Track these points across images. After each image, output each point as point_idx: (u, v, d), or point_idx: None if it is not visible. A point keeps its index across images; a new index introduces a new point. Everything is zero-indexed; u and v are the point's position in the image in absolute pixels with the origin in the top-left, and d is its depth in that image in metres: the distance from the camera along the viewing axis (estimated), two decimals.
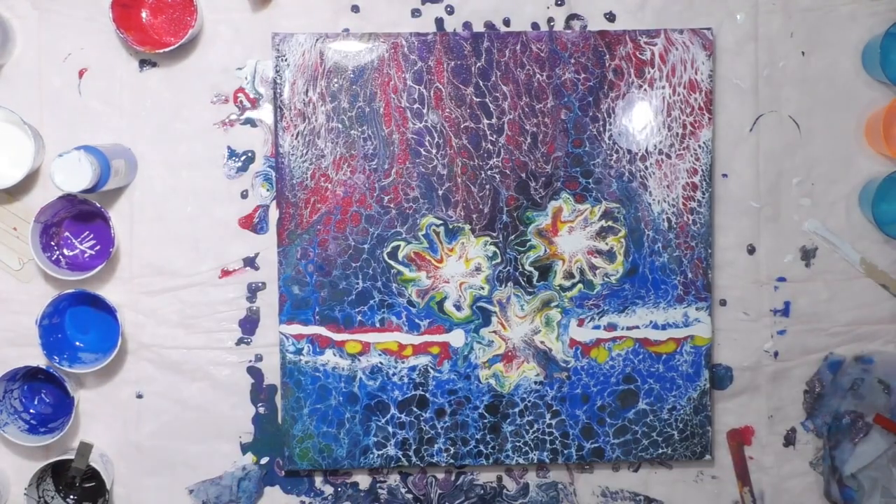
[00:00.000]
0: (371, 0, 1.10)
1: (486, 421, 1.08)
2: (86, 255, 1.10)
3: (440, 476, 1.12)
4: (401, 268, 1.07)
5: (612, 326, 1.08)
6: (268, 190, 1.09)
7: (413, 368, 1.08)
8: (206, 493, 1.11)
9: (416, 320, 1.07)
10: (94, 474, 1.06)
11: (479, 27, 1.10)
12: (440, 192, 1.06)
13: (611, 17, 1.10)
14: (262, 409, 1.10)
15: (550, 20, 1.10)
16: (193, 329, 1.10)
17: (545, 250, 1.07)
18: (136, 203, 1.09)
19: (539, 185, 1.07)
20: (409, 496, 1.11)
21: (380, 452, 1.08)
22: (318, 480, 1.12)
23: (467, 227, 1.07)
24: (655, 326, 1.08)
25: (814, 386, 1.12)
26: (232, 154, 1.09)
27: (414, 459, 1.09)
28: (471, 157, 1.07)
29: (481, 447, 1.08)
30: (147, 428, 1.11)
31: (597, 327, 1.08)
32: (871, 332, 1.12)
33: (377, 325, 1.07)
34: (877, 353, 1.11)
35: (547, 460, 1.09)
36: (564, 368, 1.08)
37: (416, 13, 1.10)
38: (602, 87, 1.07)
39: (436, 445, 1.08)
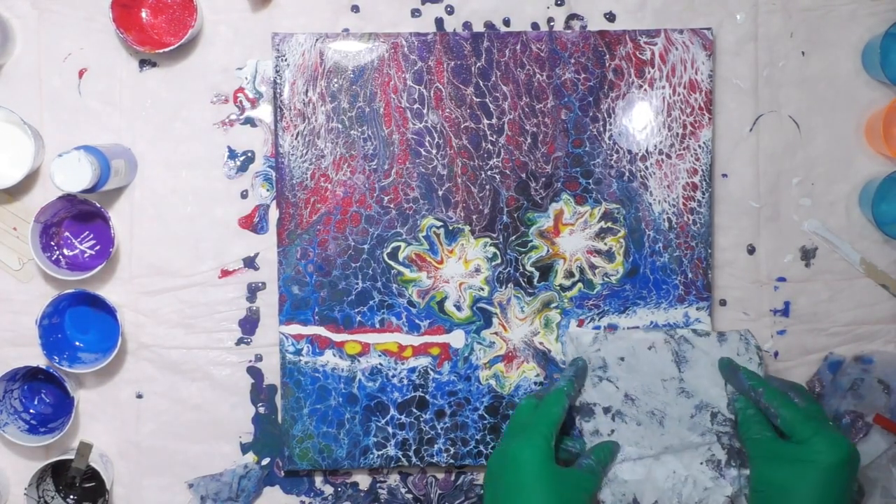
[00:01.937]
0: (371, 0, 1.10)
1: (485, 422, 1.08)
2: (86, 255, 1.10)
3: (440, 476, 1.12)
4: (401, 268, 1.07)
5: (612, 328, 1.08)
6: (268, 190, 1.09)
7: (413, 370, 1.08)
8: (205, 489, 1.11)
9: (417, 321, 1.07)
10: (94, 474, 1.06)
11: (479, 27, 1.10)
12: (440, 193, 1.06)
13: (611, 17, 1.10)
14: (262, 410, 1.10)
15: (550, 20, 1.10)
16: (193, 329, 1.10)
17: (548, 250, 1.07)
18: (136, 203, 1.09)
19: (539, 185, 1.07)
20: (409, 496, 1.11)
21: (380, 452, 1.08)
22: (318, 480, 1.12)
23: (467, 228, 1.07)
24: (656, 328, 1.08)
25: (814, 386, 1.12)
26: (232, 154, 1.09)
27: (414, 460, 1.09)
28: (471, 158, 1.07)
29: (481, 447, 1.08)
30: (147, 428, 1.11)
31: (597, 328, 1.08)
32: (871, 332, 1.12)
33: (377, 325, 1.07)
34: (877, 353, 1.11)
35: None
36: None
37: (416, 13, 1.10)
38: (602, 87, 1.07)
39: (436, 446, 1.08)
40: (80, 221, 1.10)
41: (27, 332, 1.08)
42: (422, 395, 1.08)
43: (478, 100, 1.07)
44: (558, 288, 1.08)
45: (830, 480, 0.90)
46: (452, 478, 1.12)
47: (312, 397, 1.07)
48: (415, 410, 1.08)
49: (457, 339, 1.07)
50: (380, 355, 1.07)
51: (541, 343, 1.08)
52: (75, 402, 1.06)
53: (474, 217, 1.07)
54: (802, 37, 1.11)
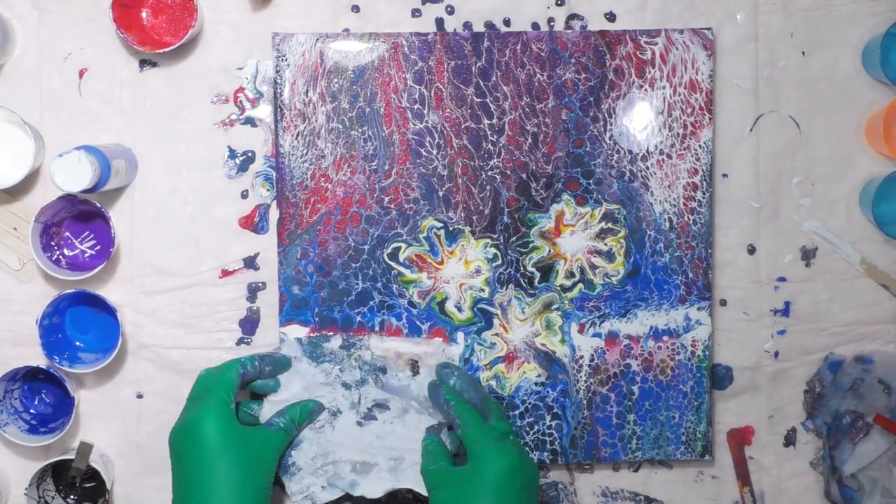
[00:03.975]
0: (371, 0, 1.09)
1: None
2: (86, 255, 1.10)
3: None
4: (402, 269, 1.07)
5: (613, 335, 1.08)
6: (268, 190, 1.09)
7: None
8: None
9: (418, 323, 1.07)
10: (94, 474, 1.06)
11: (479, 27, 1.10)
12: (441, 193, 1.06)
13: (611, 16, 1.10)
14: None
15: (550, 20, 1.10)
16: (193, 329, 1.10)
17: (549, 251, 1.07)
18: (136, 203, 1.09)
19: (540, 186, 1.07)
20: (410, 496, 1.11)
21: None
22: None
23: (467, 229, 1.07)
24: (657, 333, 1.08)
25: (814, 386, 1.12)
26: (232, 154, 1.09)
27: None
28: (471, 158, 1.07)
29: None
30: (147, 428, 1.10)
31: (597, 335, 1.08)
32: (871, 332, 1.12)
33: (377, 328, 1.07)
34: (877, 353, 1.11)
35: (547, 461, 1.09)
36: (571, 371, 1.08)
37: (416, 13, 1.10)
38: (603, 87, 1.07)
39: None
40: (80, 221, 1.10)
41: (27, 332, 1.08)
42: None
43: (478, 100, 1.06)
44: (559, 288, 1.07)
45: (496, 491, 0.90)
46: None
47: None
48: None
49: (458, 341, 1.07)
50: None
51: (542, 345, 1.08)
52: (75, 402, 1.06)
53: (475, 218, 1.07)
54: (802, 37, 1.11)
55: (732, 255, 1.11)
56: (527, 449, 1.08)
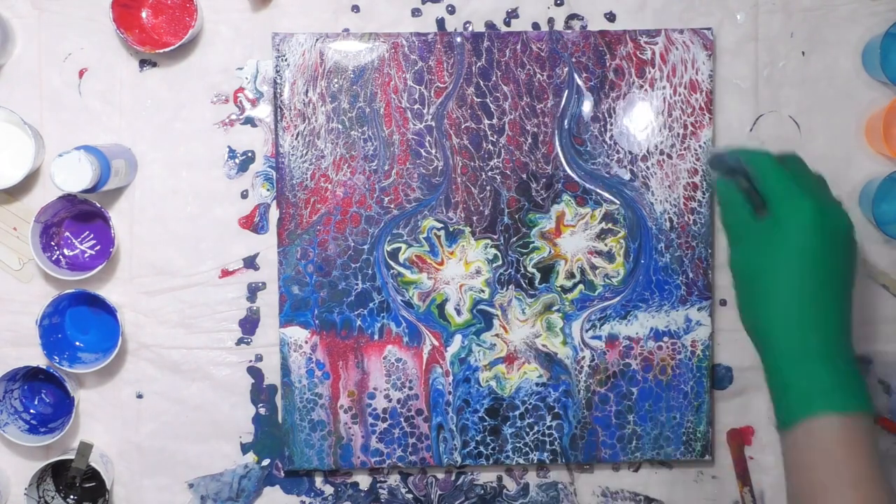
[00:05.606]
0: (371, 0, 1.09)
1: (486, 424, 1.08)
2: (86, 255, 1.10)
3: (440, 476, 1.12)
4: (402, 270, 1.07)
5: (613, 338, 1.08)
6: (268, 190, 1.09)
7: None
8: (205, 489, 1.11)
9: (417, 325, 1.07)
10: (94, 474, 1.06)
11: (479, 27, 1.09)
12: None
13: (611, 17, 1.10)
14: (262, 410, 1.10)
15: (550, 20, 1.10)
16: (193, 329, 1.10)
17: (549, 251, 1.07)
18: (136, 203, 1.09)
19: (540, 186, 1.07)
20: (410, 496, 1.12)
21: None
22: (319, 480, 1.12)
23: (467, 229, 1.07)
24: (657, 335, 1.08)
25: None
26: (232, 154, 1.09)
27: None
28: (471, 158, 1.07)
29: (481, 448, 1.08)
30: (147, 428, 1.11)
31: (596, 337, 1.08)
32: (871, 332, 1.12)
33: (376, 334, 1.06)
34: (877, 353, 1.11)
35: (547, 461, 1.09)
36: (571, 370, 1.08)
37: (416, 13, 1.10)
38: (603, 87, 1.07)
39: None
40: (80, 221, 1.10)
41: (27, 332, 1.08)
42: None
43: (478, 100, 1.06)
44: (559, 289, 1.07)
45: (792, 250, 0.76)
46: (452, 478, 1.12)
47: None
48: None
49: (455, 344, 1.07)
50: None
51: (543, 346, 1.08)
52: (75, 402, 1.06)
53: (475, 218, 1.07)
54: (802, 37, 1.11)
55: None
56: (526, 449, 1.08)
